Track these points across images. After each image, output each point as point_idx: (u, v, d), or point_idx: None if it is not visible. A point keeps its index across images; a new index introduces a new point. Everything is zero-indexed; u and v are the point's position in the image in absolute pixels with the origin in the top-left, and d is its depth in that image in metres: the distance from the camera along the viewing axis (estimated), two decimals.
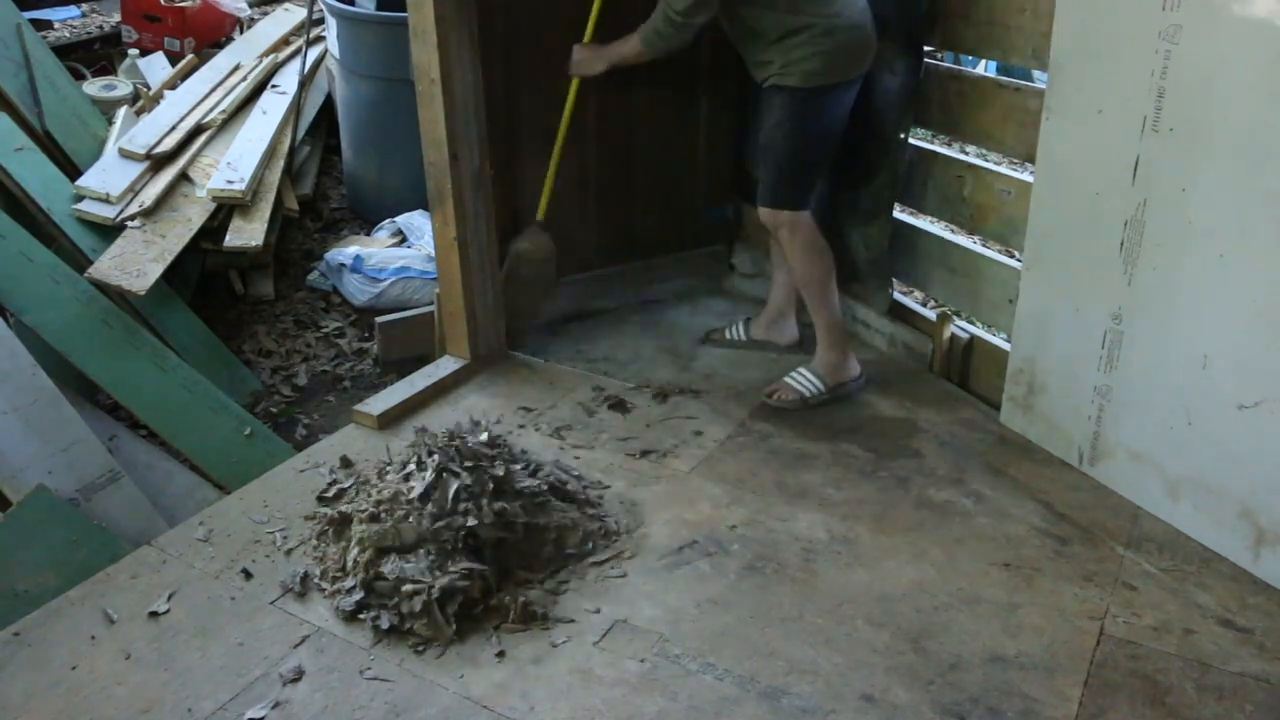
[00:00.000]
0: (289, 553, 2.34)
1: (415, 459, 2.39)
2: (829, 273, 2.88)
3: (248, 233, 3.61)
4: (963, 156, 3.09)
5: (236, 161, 3.82)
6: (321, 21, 4.66)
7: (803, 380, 2.93)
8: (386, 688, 1.99)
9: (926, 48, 2.88)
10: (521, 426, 2.82)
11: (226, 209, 3.70)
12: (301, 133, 4.33)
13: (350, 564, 2.22)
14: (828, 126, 2.76)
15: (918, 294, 3.56)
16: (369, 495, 2.36)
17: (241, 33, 5.27)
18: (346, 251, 3.88)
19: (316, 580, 2.25)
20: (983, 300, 2.93)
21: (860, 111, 2.99)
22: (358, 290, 3.80)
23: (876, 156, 2.98)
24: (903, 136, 2.91)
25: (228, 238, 3.59)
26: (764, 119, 2.78)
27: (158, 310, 3.38)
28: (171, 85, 4.46)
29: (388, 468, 2.48)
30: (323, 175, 4.61)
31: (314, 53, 4.63)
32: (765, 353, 3.18)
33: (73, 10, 5.81)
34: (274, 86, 4.41)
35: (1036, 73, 3.31)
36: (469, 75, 2.79)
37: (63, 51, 4.78)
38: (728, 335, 3.27)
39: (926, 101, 2.91)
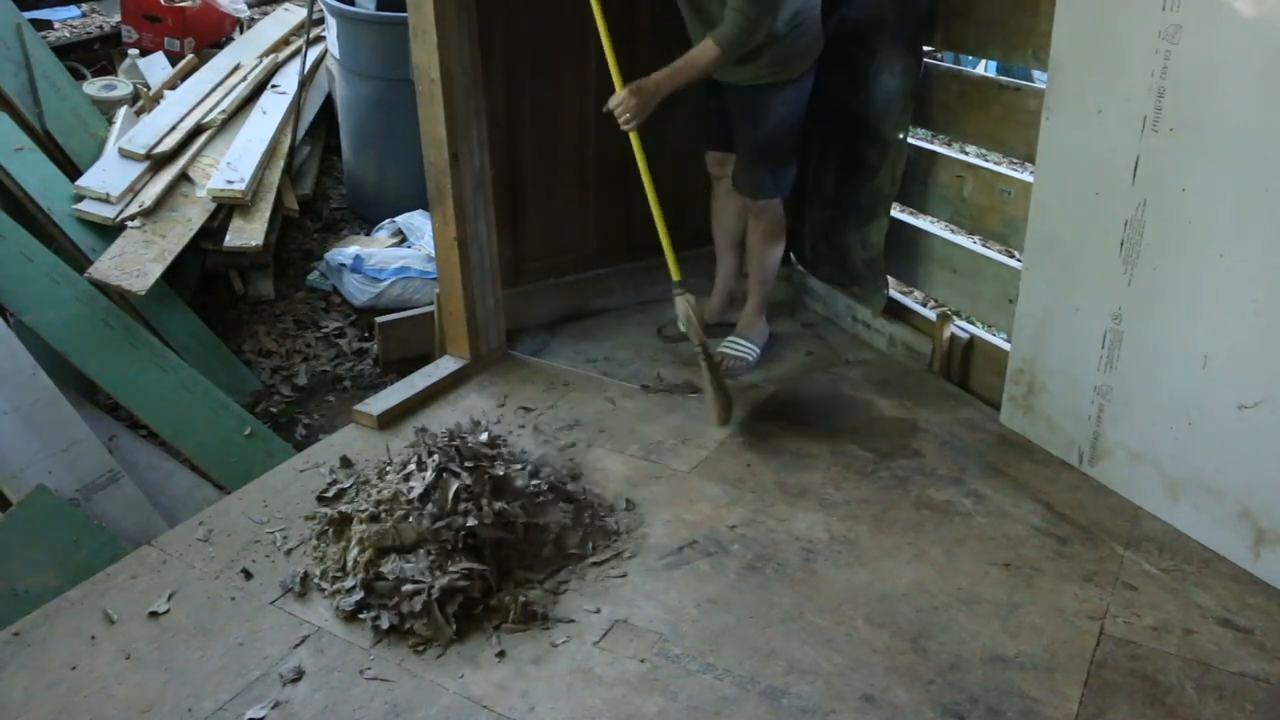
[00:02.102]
0: (289, 553, 2.34)
1: (415, 459, 2.39)
2: (783, 247, 3.15)
3: (248, 233, 3.61)
4: (963, 156, 3.09)
5: (236, 161, 3.82)
6: (321, 21, 4.66)
7: (742, 347, 3.14)
8: (386, 688, 1.99)
9: (926, 48, 2.88)
10: (521, 426, 2.82)
11: (226, 209, 3.70)
12: (301, 133, 4.33)
13: (350, 564, 2.22)
14: (806, 112, 2.95)
15: (918, 294, 3.56)
16: (369, 495, 2.36)
17: (241, 33, 5.27)
18: (346, 251, 3.88)
19: (316, 580, 2.25)
20: (983, 300, 2.93)
21: (860, 111, 2.99)
22: (358, 290, 3.80)
23: (876, 157, 2.98)
24: (901, 137, 2.91)
25: (228, 238, 3.59)
26: (757, 117, 2.86)
27: (158, 310, 3.38)
28: (171, 85, 4.46)
29: (388, 468, 2.48)
30: (323, 175, 4.61)
31: (314, 53, 4.63)
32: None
33: (73, 10, 5.81)
34: (274, 86, 4.40)
35: (1036, 73, 3.31)
36: (469, 75, 2.79)
37: (63, 51, 4.77)
38: (682, 328, 3.27)
39: (927, 101, 2.91)
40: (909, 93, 2.86)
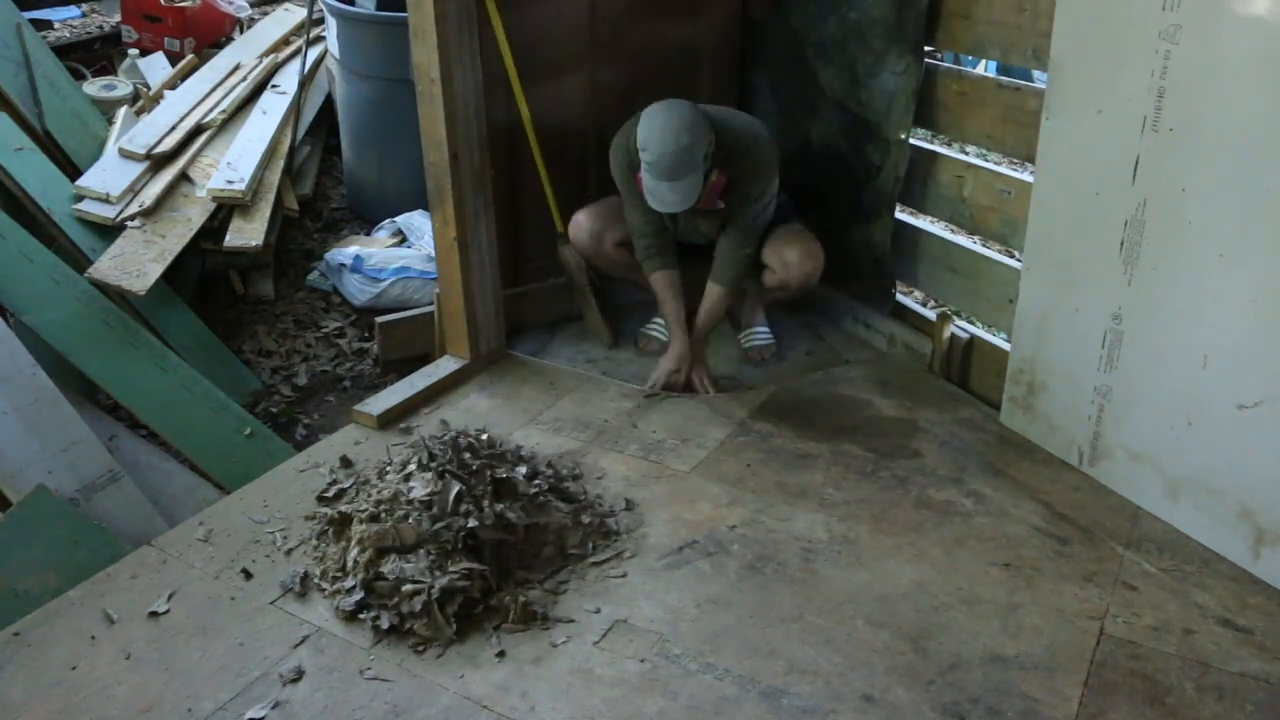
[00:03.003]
0: (289, 553, 2.34)
1: (415, 459, 2.39)
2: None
3: (248, 233, 3.61)
4: (963, 156, 3.09)
5: (236, 161, 3.82)
6: (321, 21, 4.65)
7: (763, 335, 3.23)
8: (386, 688, 1.99)
9: (927, 48, 2.88)
10: (522, 426, 2.82)
11: (226, 209, 3.70)
12: (301, 133, 4.33)
13: (350, 564, 2.22)
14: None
15: (918, 294, 3.56)
16: (369, 495, 2.36)
17: (241, 33, 5.27)
18: (346, 251, 3.88)
19: (316, 580, 2.25)
20: (983, 300, 2.93)
21: (861, 111, 2.99)
22: (358, 290, 3.80)
23: (878, 156, 2.98)
24: (903, 136, 2.91)
25: (228, 238, 3.58)
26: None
27: (158, 310, 3.37)
28: (171, 85, 4.46)
29: (388, 468, 2.49)
30: (323, 175, 4.60)
31: (314, 53, 4.63)
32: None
33: (73, 10, 5.81)
34: (274, 86, 4.40)
35: (1036, 73, 3.31)
36: (469, 75, 2.79)
37: (63, 51, 4.77)
38: (660, 336, 3.25)
39: (927, 101, 2.91)
40: (910, 92, 2.86)
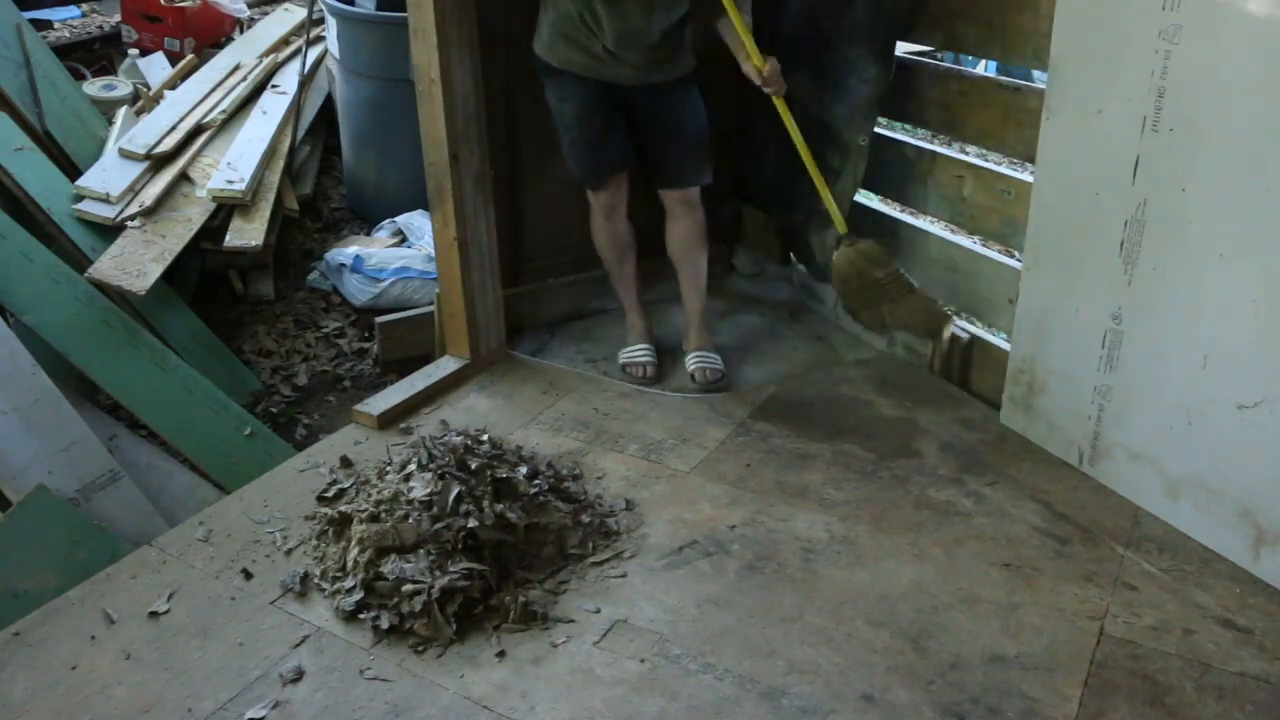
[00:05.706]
0: (289, 553, 2.35)
1: (415, 460, 2.39)
2: None
3: (248, 233, 3.61)
4: (963, 156, 3.09)
5: (236, 161, 3.82)
6: (321, 21, 4.66)
7: (713, 358, 3.05)
8: (386, 688, 1.99)
9: (926, 47, 2.88)
10: (522, 426, 2.82)
11: (226, 209, 3.71)
12: (301, 133, 4.34)
13: (350, 564, 2.23)
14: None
15: None
16: (369, 495, 2.37)
17: (241, 33, 5.27)
18: (346, 251, 3.88)
19: (316, 580, 2.25)
20: (983, 300, 2.93)
21: (824, 116, 2.98)
22: (358, 290, 3.80)
23: (838, 161, 2.98)
24: (863, 142, 2.90)
25: (228, 238, 3.59)
26: (689, 107, 2.90)
27: (158, 310, 3.38)
28: (171, 85, 4.46)
29: (388, 468, 2.49)
30: (323, 175, 4.60)
31: (314, 53, 4.63)
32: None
33: (73, 10, 5.82)
34: (274, 86, 4.41)
35: (1036, 73, 3.31)
36: (469, 75, 2.80)
37: (63, 51, 4.78)
38: (646, 374, 3.06)
39: (926, 101, 2.91)
40: (874, 100, 2.86)
